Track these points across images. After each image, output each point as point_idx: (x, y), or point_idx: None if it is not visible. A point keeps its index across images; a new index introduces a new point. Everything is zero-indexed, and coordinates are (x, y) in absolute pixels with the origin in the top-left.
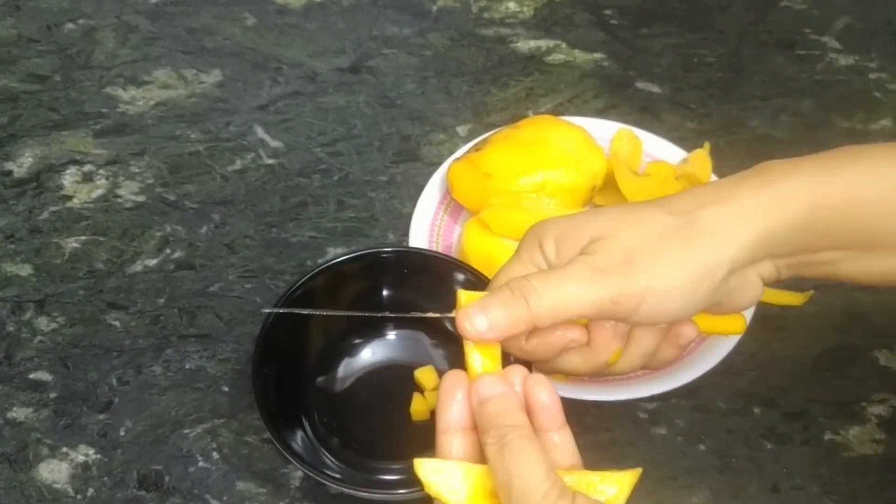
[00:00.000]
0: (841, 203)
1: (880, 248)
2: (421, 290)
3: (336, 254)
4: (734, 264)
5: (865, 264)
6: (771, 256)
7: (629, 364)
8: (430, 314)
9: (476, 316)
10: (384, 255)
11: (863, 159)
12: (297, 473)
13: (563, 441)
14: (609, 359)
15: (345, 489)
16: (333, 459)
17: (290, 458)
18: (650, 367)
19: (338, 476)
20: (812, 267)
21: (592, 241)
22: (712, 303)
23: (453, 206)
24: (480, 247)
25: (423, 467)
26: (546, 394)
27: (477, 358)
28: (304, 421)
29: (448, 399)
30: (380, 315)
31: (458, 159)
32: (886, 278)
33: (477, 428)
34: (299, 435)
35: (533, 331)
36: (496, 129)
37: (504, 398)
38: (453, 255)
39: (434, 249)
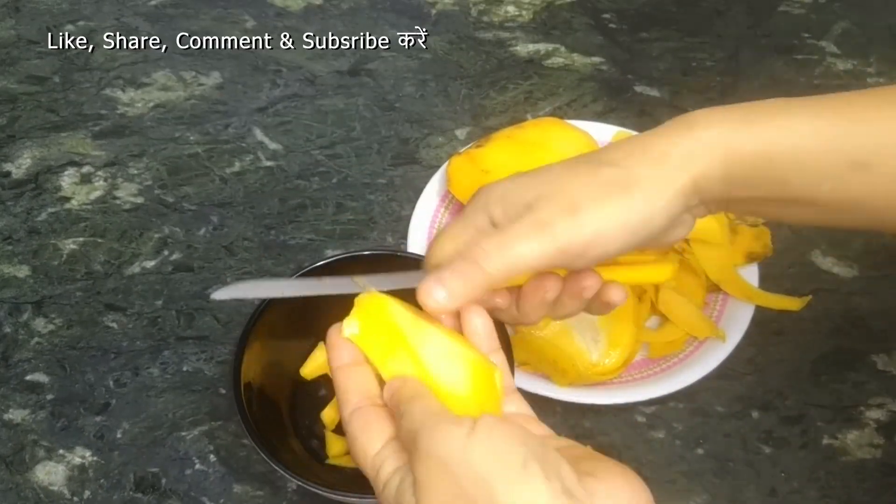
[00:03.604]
0: (753, 156)
1: (799, 198)
2: (401, 291)
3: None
4: (672, 210)
5: (789, 212)
6: (703, 201)
7: (564, 312)
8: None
9: (435, 289)
10: (362, 258)
11: (779, 114)
12: None
13: (498, 362)
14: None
15: (333, 496)
16: (323, 464)
17: (283, 472)
18: (551, 315)
19: (329, 483)
20: (737, 206)
21: (537, 198)
22: (648, 242)
23: (452, 208)
24: None
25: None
26: (481, 323)
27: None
28: (292, 429)
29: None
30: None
31: (458, 153)
32: (805, 221)
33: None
34: (289, 444)
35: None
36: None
37: (410, 383)
38: None
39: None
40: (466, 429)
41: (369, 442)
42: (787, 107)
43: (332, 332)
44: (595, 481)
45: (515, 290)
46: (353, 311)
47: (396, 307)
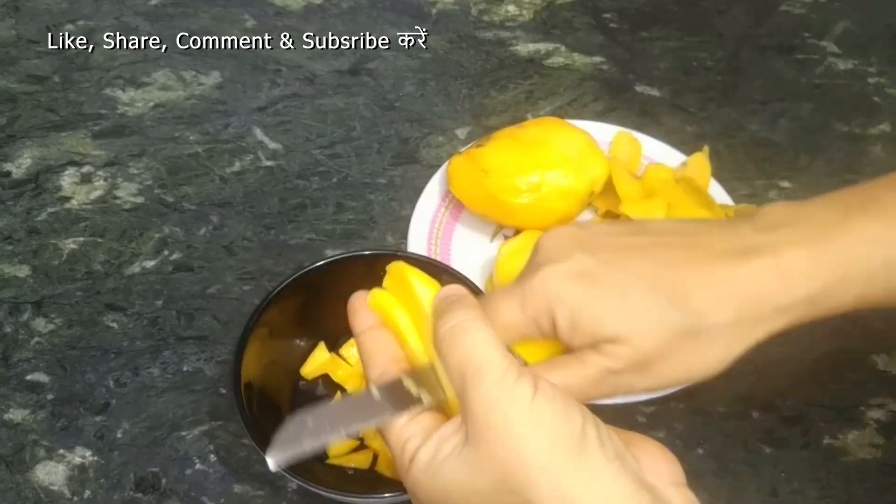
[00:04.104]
0: (852, 304)
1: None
2: None
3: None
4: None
5: None
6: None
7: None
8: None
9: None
10: (363, 258)
11: (873, 256)
12: None
13: None
14: None
15: (333, 496)
16: (323, 464)
17: (283, 472)
18: None
19: (330, 482)
20: None
21: (608, 340)
22: None
23: (453, 208)
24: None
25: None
26: None
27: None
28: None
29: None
30: None
31: (459, 153)
32: None
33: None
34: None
35: None
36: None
37: (459, 291)
38: (477, 267)
39: (432, 252)
40: (530, 391)
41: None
42: (867, 253)
43: (354, 298)
44: (636, 450)
45: None
46: (385, 281)
47: (417, 274)
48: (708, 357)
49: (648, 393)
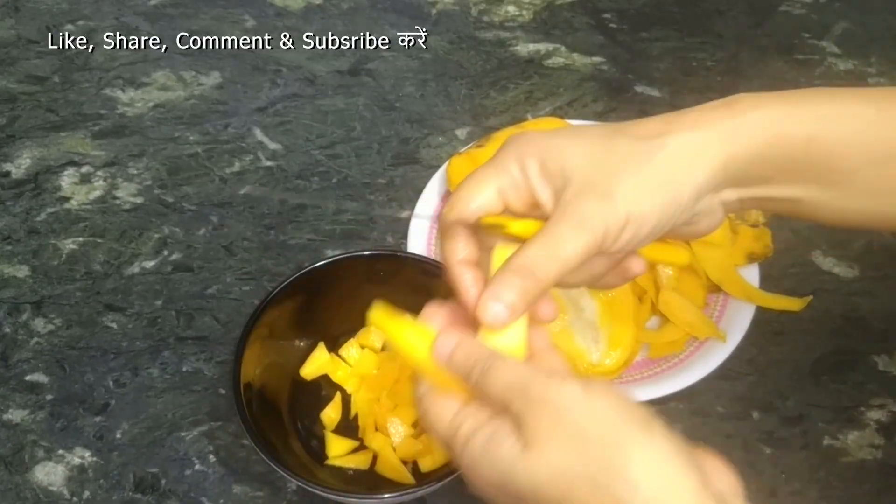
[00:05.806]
0: (802, 138)
1: (838, 186)
2: (401, 291)
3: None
4: (700, 190)
5: (824, 203)
6: (733, 185)
7: (576, 280)
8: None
9: (493, 305)
10: (363, 259)
11: (827, 99)
12: None
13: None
14: None
15: (333, 496)
16: (323, 465)
17: (283, 472)
18: (593, 287)
19: (329, 483)
20: (774, 202)
21: (573, 170)
22: (675, 227)
23: None
24: None
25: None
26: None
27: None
28: (292, 429)
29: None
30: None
31: (459, 153)
32: (845, 218)
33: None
34: (289, 443)
35: None
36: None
37: (466, 343)
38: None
39: (431, 252)
40: (582, 384)
41: (442, 411)
42: (828, 92)
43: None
44: (698, 457)
45: None
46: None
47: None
48: (669, 181)
49: (632, 242)
